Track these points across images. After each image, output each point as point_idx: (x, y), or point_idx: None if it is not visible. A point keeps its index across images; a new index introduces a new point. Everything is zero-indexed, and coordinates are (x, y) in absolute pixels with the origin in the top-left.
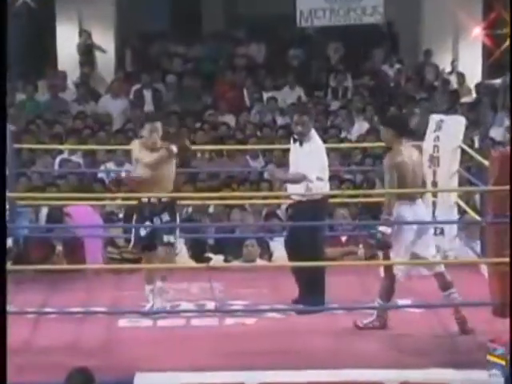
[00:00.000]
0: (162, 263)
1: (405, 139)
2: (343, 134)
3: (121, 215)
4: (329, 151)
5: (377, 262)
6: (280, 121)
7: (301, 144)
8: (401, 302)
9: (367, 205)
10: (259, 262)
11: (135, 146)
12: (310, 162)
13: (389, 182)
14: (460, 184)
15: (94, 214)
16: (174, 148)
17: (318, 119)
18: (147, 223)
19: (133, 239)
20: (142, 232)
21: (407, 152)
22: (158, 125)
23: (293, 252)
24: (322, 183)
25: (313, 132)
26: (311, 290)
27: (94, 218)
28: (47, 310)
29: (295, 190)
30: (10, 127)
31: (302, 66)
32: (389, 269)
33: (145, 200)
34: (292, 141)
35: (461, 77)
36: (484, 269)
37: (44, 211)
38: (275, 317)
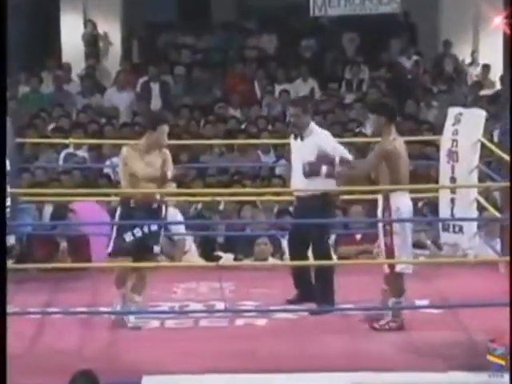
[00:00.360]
0: (144, 276)
1: (394, 127)
2: (358, 128)
3: None
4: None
5: (392, 260)
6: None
7: (302, 139)
8: (419, 302)
9: None
10: (271, 260)
11: (128, 152)
12: (313, 157)
13: (368, 161)
14: (480, 180)
15: (101, 210)
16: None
17: (331, 113)
18: (137, 229)
19: (112, 244)
20: (128, 237)
21: (398, 141)
22: (167, 128)
23: (296, 251)
24: (331, 179)
25: (312, 125)
26: (321, 290)
27: (102, 215)
28: (51, 309)
29: (301, 185)
30: (12, 121)
31: (315, 58)
32: (392, 265)
33: (133, 205)
34: (293, 137)
35: (485, 68)
36: (504, 268)
37: (48, 208)
38: (287, 317)
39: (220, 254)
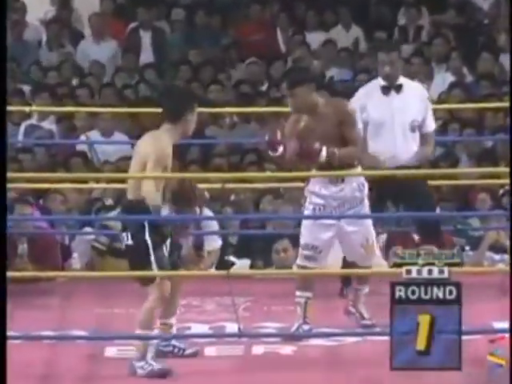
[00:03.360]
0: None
1: None
2: None
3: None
4: None
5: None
6: (333, 72)
7: None
8: (497, 324)
9: (449, 189)
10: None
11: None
12: None
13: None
14: None
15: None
16: None
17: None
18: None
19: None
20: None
21: None
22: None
23: None
24: None
25: None
26: None
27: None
28: (7, 333)
29: None
30: None
31: None
32: None
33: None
34: None
35: None
36: None
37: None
38: (319, 344)
39: (232, 259)
